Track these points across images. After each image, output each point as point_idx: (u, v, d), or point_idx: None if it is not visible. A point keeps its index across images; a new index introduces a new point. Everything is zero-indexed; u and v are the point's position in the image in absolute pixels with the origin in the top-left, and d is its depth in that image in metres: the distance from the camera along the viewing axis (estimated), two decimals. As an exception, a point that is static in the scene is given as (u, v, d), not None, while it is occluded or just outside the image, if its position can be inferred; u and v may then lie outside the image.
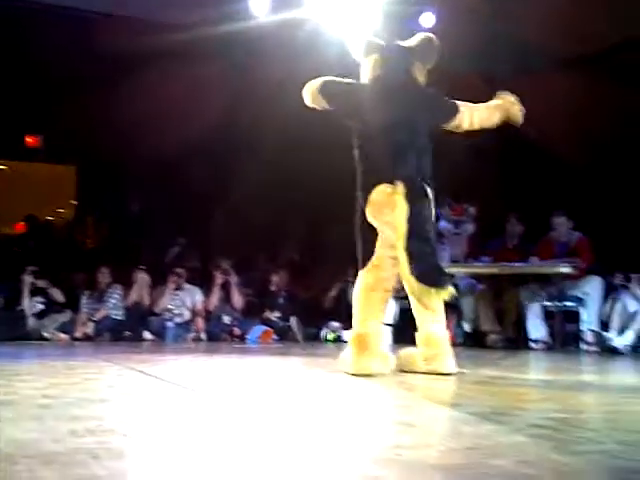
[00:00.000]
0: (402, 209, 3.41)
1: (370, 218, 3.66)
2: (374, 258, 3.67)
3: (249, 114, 8.13)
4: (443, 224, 7.09)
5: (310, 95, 3.98)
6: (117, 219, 9.46)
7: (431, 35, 4.04)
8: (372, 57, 3.97)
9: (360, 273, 3.76)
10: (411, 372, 3.72)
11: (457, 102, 4.01)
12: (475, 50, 7.79)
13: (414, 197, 3.47)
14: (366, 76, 4.00)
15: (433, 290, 3.26)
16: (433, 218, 3.67)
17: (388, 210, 3.52)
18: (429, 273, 3.29)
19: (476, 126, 4.08)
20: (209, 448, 1.69)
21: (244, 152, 8.72)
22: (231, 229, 9.19)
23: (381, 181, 3.60)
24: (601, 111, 7.83)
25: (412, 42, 4.02)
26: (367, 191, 3.66)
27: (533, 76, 8.22)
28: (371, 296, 3.69)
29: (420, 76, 3.98)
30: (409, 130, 3.73)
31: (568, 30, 7.67)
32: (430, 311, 3.68)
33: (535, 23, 7.41)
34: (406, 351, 3.87)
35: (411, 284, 3.29)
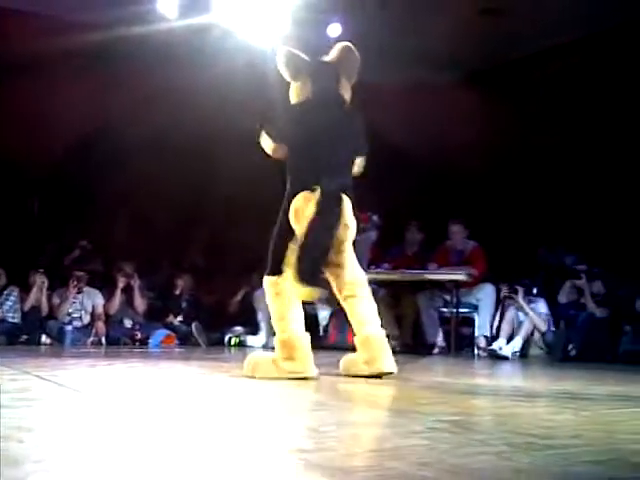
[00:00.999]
0: (308, 213, 3.57)
1: (293, 224, 3.71)
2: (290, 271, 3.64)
3: (158, 117, 8.01)
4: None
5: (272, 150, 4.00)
6: (15, 219, 9.11)
7: (350, 45, 4.08)
8: (302, 79, 4.03)
9: (270, 279, 3.79)
10: (355, 376, 3.80)
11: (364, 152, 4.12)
12: (378, 61, 7.98)
13: (324, 204, 3.60)
14: (297, 96, 4.07)
15: (306, 283, 3.45)
16: (340, 227, 3.74)
17: (306, 216, 3.61)
18: (302, 270, 3.46)
19: None
20: (106, 455, 1.69)
21: (150, 155, 8.58)
22: (135, 232, 9.03)
23: (303, 189, 3.71)
24: (499, 124, 8.19)
25: (334, 55, 4.08)
26: (291, 198, 3.75)
27: (434, 88, 8.50)
28: (285, 302, 3.74)
29: (346, 93, 4.08)
30: (335, 145, 3.85)
31: (468, 47, 8.00)
32: (364, 312, 3.83)
33: (438, 38, 7.67)
34: (348, 357, 3.96)
35: (295, 274, 3.46)
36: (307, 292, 3.52)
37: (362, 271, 4.02)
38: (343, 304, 3.91)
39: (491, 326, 6.92)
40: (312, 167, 3.79)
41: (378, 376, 3.74)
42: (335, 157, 3.86)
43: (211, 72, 7.30)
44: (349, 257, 3.89)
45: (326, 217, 3.63)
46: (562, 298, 6.87)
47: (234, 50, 7.19)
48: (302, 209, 3.67)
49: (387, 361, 3.78)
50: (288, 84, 4.14)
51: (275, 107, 4.22)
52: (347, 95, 4.10)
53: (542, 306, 6.79)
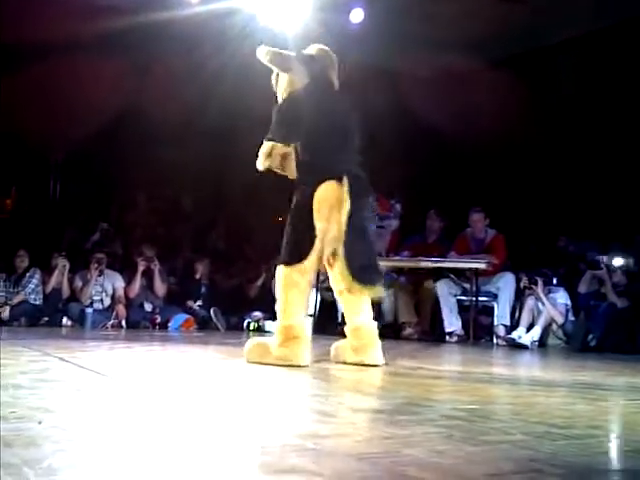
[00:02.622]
0: (346, 205, 3.49)
1: (315, 213, 3.58)
2: (306, 260, 3.59)
3: (181, 102, 8.02)
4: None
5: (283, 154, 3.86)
6: (37, 202, 9.20)
7: (324, 47, 4.07)
8: (294, 68, 3.97)
9: (283, 269, 3.68)
10: (342, 363, 3.81)
11: None
12: (401, 48, 7.94)
13: (358, 193, 3.55)
14: (292, 84, 3.97)
15: (367, 288, 3.43)
16: (373, 215, 3.72)
17: (335, 207, 3.52)
18: (365, 271, 3.43)
19: None
20: (124, 436, 1.70)
21: (173, 139, 8.61)
22: (156, 216, 9.09)
23: (327, 177, 3.59)
24: (521, 112, 8.11)
25: (313, 51, 4.06)
26: (312, 187, 3.61)
27: (455, 76, 8.44)
28: (296, 293, 3.65)
29: (335, 79, 4.02)
30: (346, 128, 3.80)
31: (494, 34, 7.92)
32: (358, 303, 3.80)
33: (458, 26, 7.60)
34: (339, 343, 3.97)
35: (348, 281, 3.43)
36: (375, 291, 3.50)
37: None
38: (335, 291, 3.86)
39: (511, 315, 6.88)
40: (334, 153, 3.69)
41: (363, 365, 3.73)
42: (349, 141, 3.79)
43: (234, 57, 7.29)
44: None
45: (365, 210, 3.57)
46: (582, 288, 6.81)
47: (257, 34, 7.18)
48: (327, 200, 3.55)
49: (375, 352, 3.78)
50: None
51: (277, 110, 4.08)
52: (335, 78, 4.03)
53: (562, 296, 6.74)
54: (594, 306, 6.53)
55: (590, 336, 6.28)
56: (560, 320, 6.60)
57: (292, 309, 3.64)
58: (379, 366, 3.75)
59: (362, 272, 3.43)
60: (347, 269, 3.42)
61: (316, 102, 3.83)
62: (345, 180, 3.54)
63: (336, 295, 3.95)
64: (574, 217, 7.85)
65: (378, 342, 3.85)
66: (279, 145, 3.81)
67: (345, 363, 3.81)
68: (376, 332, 3.88)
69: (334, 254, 3.58)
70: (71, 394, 2.41)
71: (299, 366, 3.54)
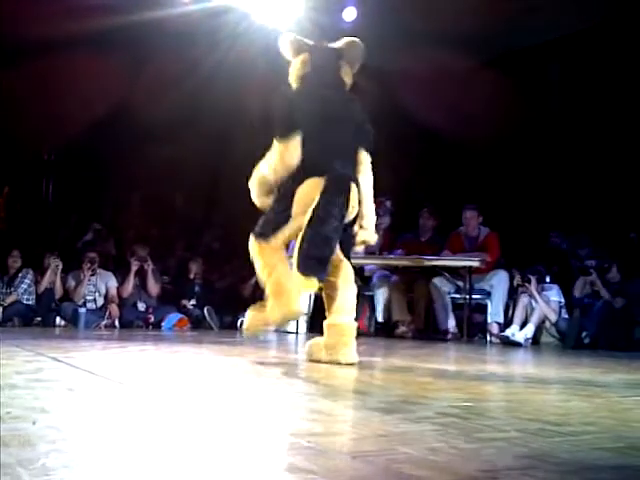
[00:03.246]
0: (315, 200, 3.54)
1: (295, 206, 3.64)
2: (271, 238, 3.65)
3: (175, 100, 8.00)
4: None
5: (290, 148, 3.76)
6: (30, 201, 9.17)
7: (356, 39, 4.07)
8: (301, 56, 4.00)
9: (254, 241, 3.72)
10: (316, 361, 3.78)
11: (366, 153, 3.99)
12: (394, 47, 7.93)
13: (331, 191, 3.58)
14: (294, 74, 4.02)
15: (304, 277, 3.43)
16: (346, 213, 3.70)
17: (310, 202, 3.57)
18: (307, 262, 3.46)
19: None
20: (118, 436, 1.70)
21: (166, 138, 8.59)
22: (149, 216, 9.07)
23: (312, 175, 3.64)
24: (514, 110, 8.13)
25: (339, 44, 4.06)
26: (298, 183, 3.66)
27: (451, 75, 8.44)
28: (268, 253, 3.67)
29: (347, 78, 4.04)
30: (341, 127, 3.82)
31: (488, 31, 7.93)
32: (336, 300, 3.79)
33: (451, 23, 7.61)
34: (313, 340, 3.94)
35: (294, 267, 3.47)
36: (309, 283, 3.47)
37: (347, 258, 3.92)
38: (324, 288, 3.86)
39: (504, 313, 6.90)
40: (323, 151, 3.72)
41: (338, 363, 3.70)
42: (342, 139, 3.80)
43: (228, 55, 7.28)
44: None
45: (332, 207, 3.59)
46: (576, 292, 6.82)
47: (251, 33, 7.17)
48: (308, 195, 3.61)
49: (347, 351, 3.73)
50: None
51: (276, 104, 4.08)
52: (348, 80, 4.05)
53: (555, 293, 6.75)
54: (588, 304, 6.55)
55: (584, 333, 6.30)
56: (554, 318, 6.61)
57: (271, 266, 3.62)
58: (352, 365, 3.69)
59: (306, 261, 3.46)
60: (298, 258, 3.46)
61: (306, 98, 3.86)
62: (325, 178, 3.60)
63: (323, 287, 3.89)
64: (567, 213, 7.87)
65: (352, 340, 3.78)
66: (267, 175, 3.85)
67: (319, 362, 3.76)
68: (351, 330, 3.81)
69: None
70: (65, 394, 2.40)
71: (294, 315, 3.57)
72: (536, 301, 6.62)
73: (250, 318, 3.73)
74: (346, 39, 4.10)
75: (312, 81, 3.95)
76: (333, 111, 3.83)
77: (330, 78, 3.98)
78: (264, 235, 3.69)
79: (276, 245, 3.67)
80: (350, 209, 3.73)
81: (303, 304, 3.65)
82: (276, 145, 3.77)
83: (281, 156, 3.74)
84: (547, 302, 6.63)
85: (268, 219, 3.76)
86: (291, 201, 3.67)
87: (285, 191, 3.73)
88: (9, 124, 8.01)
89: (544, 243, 7.83)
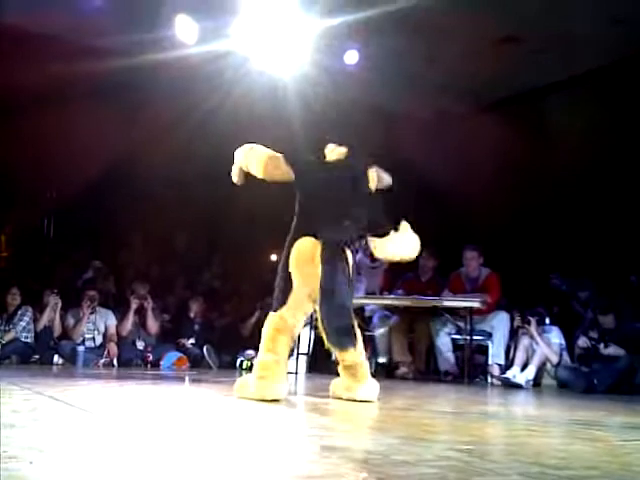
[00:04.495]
0: (319, 268, 3.72)
1: (292, 267, 3.86)
2: (285, 307, 3.87)
3: (175, 143, 8.07)
4: (360, 257, 7.23)
5: (269, 167, 4.07)
6: (30, 240, 9.19)
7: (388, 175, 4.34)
8: (340, 149, 4.19)
9: (271, 314, 3.95)
10: (338, 399, 4.02)
11: (386, 231, 4.19)
12: (396, 89, 8.04)
13: (330, 257, 3.75)
14: (329, 157, 4.21)
15: (342, 351, 3.74)
16: (350, 278, 3.87)
17: (309, 262, 3.77)
18: (339, 335, 3.71)
19: (392, 260, 4.51)
20: (116, 477, 1.68)
21: (167, 180, 8.65)
22: (149, 255, 9.07)
23: (307, 233, 3.86)
24: (514, 152, 8.20)
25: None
26: (294, 240, 3.90)
27: (452, 117, 8.54)
28: (278, 337, 3.88)
29: (372, 181, 4.19)
30: (348, 203, 3.99)
31: (487, 76, 8.03)
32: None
33: (454, 68, 7.72)
34: (336, 380, 4.19)
35: (327, 342, 3.72)
36: (351, 354, 3.76)
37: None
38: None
39: (505, 354, 6.86)
40: (320, 217, 3.91)
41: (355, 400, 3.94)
42: (344, 215, 3.96)
43: (229, 99, 7.36)
44: None
45: (337, 274, 3.75)
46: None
47: (252, 77, 7.26)
48: (303, 253, 3.82)
49: (364, 389, 3.98)
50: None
51: (305, 149, 4.31)
52: (372, 183, 4.20)
53: (555, 335, 6.72)
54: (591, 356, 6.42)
55: (595, 380, 6.14)
56: (555, 360, 6.57)
57: (268, 345, 3.86)
58: (371, 402, 3.92)
59: (337, 336, 3.70)
60: (325, 333, 3.68)
61: (327, 168, 4.12)
62: (320, 241, 3.79)
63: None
64: (567, 255, 7.88)
65: (367, 378, 4.04)
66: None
67: (340, 399, 4.00)
68: (367, 370, 4.07)
69: (307, 308, 3.91)
70: (63, 434, 2.38)
71: (271, 400, 3.67)
72: (537, 343, 6.58)
73: (239, 385, 3.95)
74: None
75: (339, 163, 4.15)
76: (343, 189, 4.00)
77: (357, 167, 4.16)
78: (276, 308, 3.91)
79: (285, 314, 3.85)
80: (352, 271, 3.91)
81: (283, 391, 3.82)
82: (275, 153, 4.07)
83: (270, 162, 4.04)
84: (548, 344, 6.59)
85: (276, 290, 3.96)
86: (287, 262, 3.88)
87: (287, 250, 3.93)
88: (10, 163, 8.08)
89: (545, 285, 7.82)
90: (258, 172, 4.13)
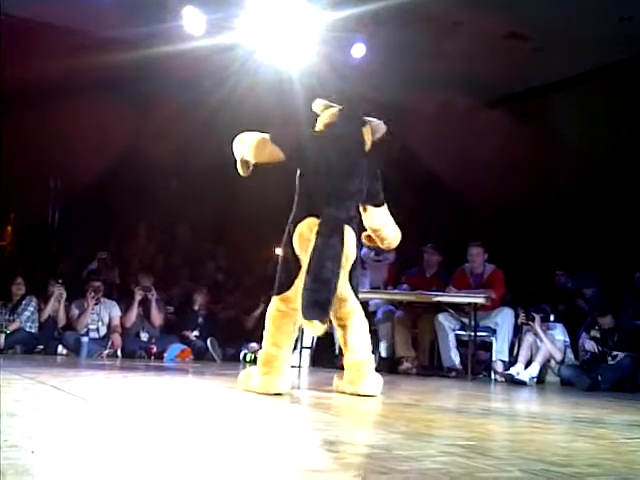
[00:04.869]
0: (311, 244, 3.72)
1: (296, 247, 3.86)
2: (291, 289, 3.84)
3: (182, 135, 8.07)
4: (365, 251, 7.22)
5: (257, 149, 4.08)
6: (35, 230, 9.20)
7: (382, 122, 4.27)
8: (332, 109, 4.22)
9: (273, 298, 3.95)
10: (341, 393, 4.04)
11: (380, 202, 4.25)
12: (402, 83, 8.01)
13: (325, 231, 3.75)
14: (321, 121, 4.24)
15: (306, 322, 3.59)
16: (345, 257, 3.84)
17: (310, 243, 3.75)
18: (310, 308, 3.60)
19: (374, 231, 4.39)
20: (118, 467, 1.68)
21: (173, 171, 8.65)
22: (154, 246, 9.07)
23: (310, 215, 3.86)
24: (519, 148, 8.17)
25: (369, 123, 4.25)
26: (296, 223, 3.91)
27: (457, 111, 8.52)
28: (282, 322, 3.87)
29: (367, 137, 4.18)
30: (345, 176, 3.98)
31: (491, 71, 7.99)
32: (349, 340, 4.06)
33: (462, 61, 7.68)
34: (339, 374, 4.23)
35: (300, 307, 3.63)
36: (313, 327, 3.61)
37: (357, 300, 4.12)
38: (337, 329, 4.17)
39: (509, 351, 6.84)
40: (319, 194, 3.91)
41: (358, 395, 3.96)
42: (343, 190, 3.96)
43: (235, 91, 7.34)
44: (348, 287, 4.01)
45: (327, 249, 3.73)
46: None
47: (259, 70, 7.24)
48: (306, 234, 3.81)
49: (367, 384, 4.00)
50: (310, 105, 4.29)
51: (297, 128, 4.31)
52: (367, 138, 4.18)
53: (559, 332, 6.70)
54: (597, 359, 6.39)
55: (599, 377, 6.10)
56: (559, 357, 6.55)
57: (273, 337, 3.87)
58: (374, 396, 3.96)
59: (308, 307, 3.60)
60: (301, 303, 3.61)
61: (323, 150, 4.03)
62: (320, 219, 3.79)
63: (335, 327, 4.21)
64: (573, 252, 7.86)
65: (372, 374, 4.08)
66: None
67: (344, 393, 4.02)
68: (372, 364, 4.12)
69: None
70: (64, 423, 2.38)
71: (274, 394, 3.67)
72: (541, 340, 6.56)
73: (242, 377, 3.97)
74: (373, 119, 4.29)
75: (332, 130, 4.14)
76: (339, 162, 3.99)
77: (350, 131, 4.14)
78: (279, 292, 3.91)
79: (290, 298, 3.83)
80: (348, 251, 3.86)
81: (286, 385, 3.81)
82: (263, 135, 4.06)
83: (258, 144, 4.04)
84: (552, 341, 6.57)
85: (280, 274, 3.96)
86: (291, 244, 3.89)
87: (289, 232, 3.95)
88: (17, 152, 8.07)
89: (550, 282, 7.80)
90: (250, 157, 4.13)
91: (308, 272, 3.65)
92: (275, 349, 3.82)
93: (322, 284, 3.66)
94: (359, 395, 3.93)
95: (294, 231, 3.89)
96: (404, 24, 7.10)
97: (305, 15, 6.75)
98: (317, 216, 3.82)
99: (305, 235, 3.81)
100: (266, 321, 3.94)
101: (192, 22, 7.02)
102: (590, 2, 6.62)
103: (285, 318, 3.86)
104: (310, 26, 6.89)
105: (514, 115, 8.58)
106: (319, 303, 3.62)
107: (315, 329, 3.62)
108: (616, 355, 6.22)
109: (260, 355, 3.93)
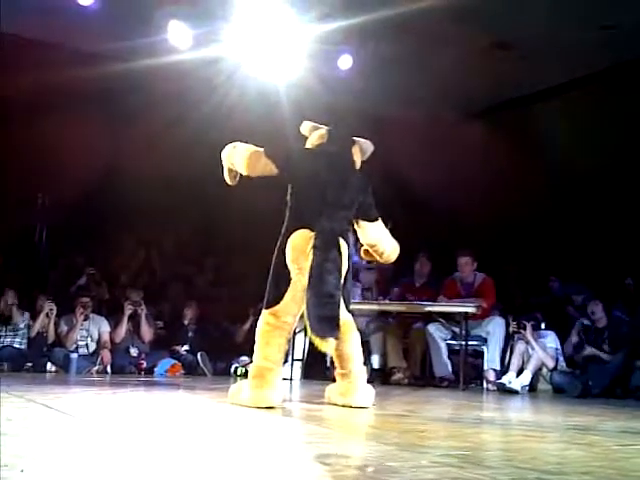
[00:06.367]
0: (309, 257, 3.68)
1: (288, 261, 3.83)
2: (281, 303, 3.83)
3: (168, 148, 8.05)
4: (356, 259, 7.21)
5: (250, 162, 4.07)
6: (23, 246, 9.13)
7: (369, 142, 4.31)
8: (320, 131, 4.25)
9: (263, 312, 3.93)
10: (333, 404, 4.05)
11: (374, 216, 4.26)
12: (389, 95, 8.04)
13: (322, 245, 3.72)
14: (310, 142, 4.26)
15: (320, 339, 3.54)
16: (342, 269, 3.82)
17: (306, 255, 3.72)
18: (318, 324, 3.55)
19: (371, 246, 4.40)
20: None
21: (159, 186, 8.62)
22: (143, 261, 9.03)
23: (303, 226, 3.84)
24: (507, 158, 8.21)
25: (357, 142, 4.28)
26: (289, 235, 3.88)
27: (444, 123, 8.55)
28: (272, 336, 3.85)
29: (357, 157, 4.21)
30: (338, 189, 3.98)
31: (478, 83, 8.03)
32: (349, 354, 4.06)
33: (448, 73, 7.72)
34: (331, 386, 4.22)
35: (308, 329, 3.59)
36: (326, 344, 3.58)
37: (349, 312, 4.12)
38: None
39: (501, 359, 6.84)
40: (313, 207, 3.90)
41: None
42: (336, 203, 3.96)
43: (222, 104, 7.34)
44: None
45: (328, 263, 3.70)
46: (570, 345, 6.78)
47: (245, 82, 7.25)
48: (299, 246, 3.79)
49: (360, 395, 4.00)
50: (299, 118, 4.32)
51: (288, 142, 4.30)
52: (357, 158, 4.22)
53: (551, 340, 6.71)
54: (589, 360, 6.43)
55: (590, 383, 6.13)
56: (551, 364, 6.56)
57: (263, 351, 3.84)
58: (367, 408, 3.94)
59: (319, 324, 3.55)
60: (308, 320, 3.57)
61: (315, 165, 4.04)
62: (315, 233, 3.77)
63: None
64: (562, 259, 7.88)
65: (364, 385, 4.07)
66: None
67: (336, 405, 4.02)
68: (364, 376, 4.11)
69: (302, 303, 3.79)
70: (54, 442, 2.36)
71: (266, 407, 3.65)
72: (532, 347, 6.57)
73: (233, 391, 3.94)
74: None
75: (323, 148, 4.16)
76: (332, 175, 4.00)
77: (340, 151, 4.16)
78: (268, 305, 3.88)
79: (280, 311, 3.82)
80: (344, 262, 3.85)
81: (277, 398, 3.78)
82: (256, 148, 4.06)
83: (251, 156, 4.03)
84: (544, 349, 6.58)
85: (270, 286, 3.93)
86: (283, 256, 3.86)
87: (281, 244, 3.92)
88: (2, 167, 8.04)
89: (540, 289, 7.82)
90: (242, 169, 4.12)
91: (310, 287, 3.62)
92: (266, 362, 3.80)
93: (327, 299, 3.63)
94: (351, 407, 3.93)
95: (286, 242, 3.87)
96: (390, 37, 7.13)
97: (292, 28, 6.76)
98: (310, 228, 3.80)
99: (299, 246, 3.79)
100: (256, 335, 3.93)
101: (178, 36, 7.02)
102: (573, 11, 6.67)
103: (275, 331, 3.84)
104: (297, 39, 6.91)
105: (499, 125, 8.63)
106: (328, 318, 3.59)
107: (327, 345, 3.61)
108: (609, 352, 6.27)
109: (251, 368, 3.92)
